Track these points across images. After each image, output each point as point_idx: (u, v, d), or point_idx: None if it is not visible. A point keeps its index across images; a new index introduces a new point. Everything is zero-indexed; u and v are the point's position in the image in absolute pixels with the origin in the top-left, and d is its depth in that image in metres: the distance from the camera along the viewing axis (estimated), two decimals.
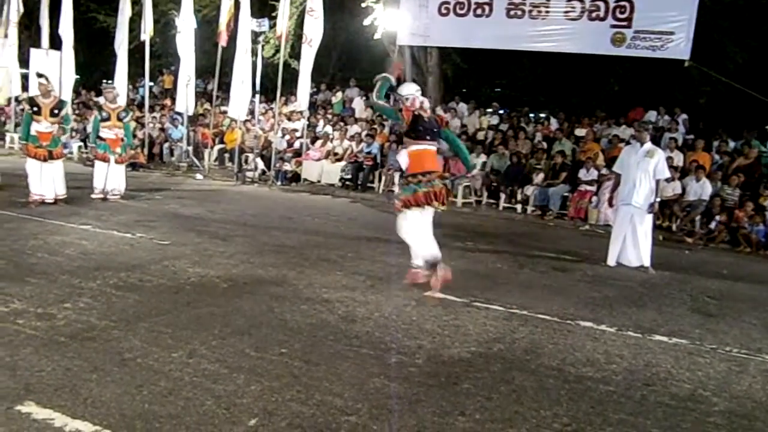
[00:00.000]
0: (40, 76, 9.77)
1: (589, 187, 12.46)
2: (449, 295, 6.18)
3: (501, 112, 17.75)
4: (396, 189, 13.69)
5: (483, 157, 13.91)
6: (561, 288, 6.99)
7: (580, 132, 14.83)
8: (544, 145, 14.23)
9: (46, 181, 9.46)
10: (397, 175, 13.78)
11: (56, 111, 9.45)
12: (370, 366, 4.33)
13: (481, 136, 15.49)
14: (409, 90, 6.32)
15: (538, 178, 13.02)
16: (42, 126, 9.32)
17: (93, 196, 10.27)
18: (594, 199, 12.34)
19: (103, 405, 3.51)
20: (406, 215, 6.32)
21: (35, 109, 9.35)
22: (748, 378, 4.73)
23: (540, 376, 4.42)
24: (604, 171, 12.52)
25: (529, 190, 12.99)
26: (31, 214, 8.64)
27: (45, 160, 9.40)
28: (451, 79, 19.26)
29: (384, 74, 6.60)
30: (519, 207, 13.05)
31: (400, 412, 3.71)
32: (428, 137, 6.27)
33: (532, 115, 17.03)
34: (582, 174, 12.65)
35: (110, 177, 10.32)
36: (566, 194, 12.72)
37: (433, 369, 4.39)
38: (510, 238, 10.09)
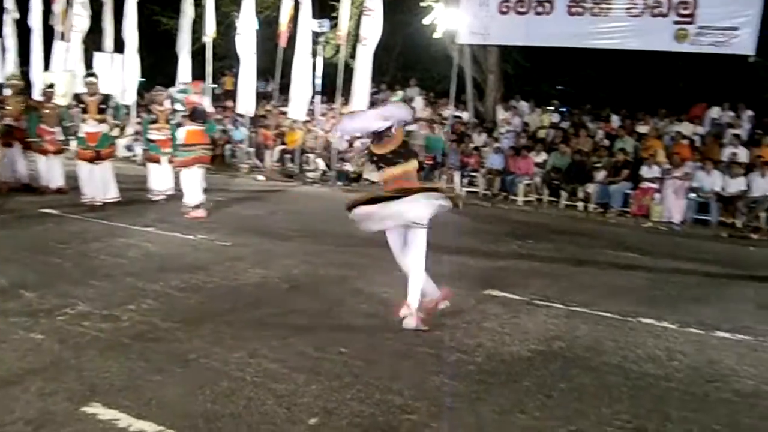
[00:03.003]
0: (89, 75, 9.92)
1: (651, 184, 12.14)
2: (509, 293, 6.13)
3: (562, 110, 17.40)
4: (457, 188, 13.65)
5: (544, 155, 13.69)
6: (622, 285, 6.86)
7: (641, 129, 14.45)
8: (606, 142, 13.91)
9: (96, 182, 9.42)
10: (457, 174, 13.74)
11: (102, 108, 9.46)
12: (430, 365, 4.34)
13: (542, 134, 15.24)
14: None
15: (600, 175, 12.72)
16: (89, 126, 9.33)
17: (152, 197, 10.34)
18: (656, 196, 12.01)
19: (166, 405, 3.60)
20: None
21: (82, 107, 9.41)
22: None
23: (600, 373, 4.36)
24: (667, 167, 12.17)
25: (591, 187, 12.70)
26: (95, 216, 8.83)
27: (93, 161, 9.36)
28: (511, 77, 19.02)
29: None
30: (580, 205, 12.78)
31: (459, 411, 3.72)
32: None
33: (593, 112, 16.64)
34: (644, 171, 12.32)
35: (164, 177, 10.40)
36: (628, 191, 12.41)
37: (493, 367, 4.37)
38: (571, 236, 9.89)
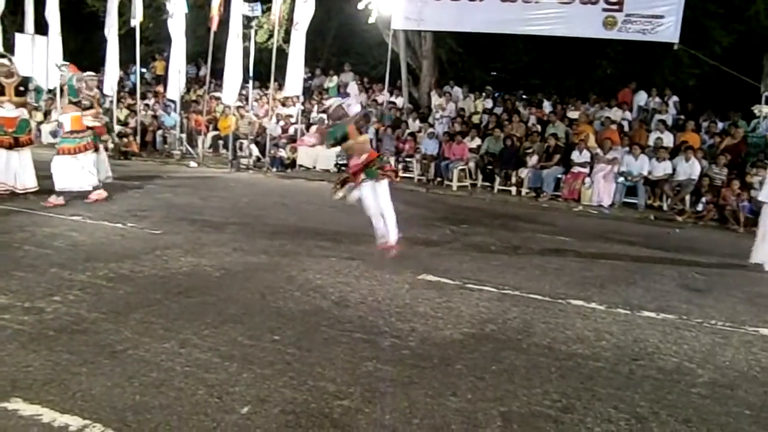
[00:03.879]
0: (2, 56, 9.44)
1: (582, 169, 12.50)
2: (442, 278, 6.20)
3: (495, 95, 17.70)
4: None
5: (478, 141, 13.89)
6: (553, 268, 7.02)
7: (573, 114, 14.84)
8: (538, 127, 14.24)
9: (12, 170, 9.01)
10: (392, 160, 13.79)
11: (21, 90, 9.04)
12: (363, 350, 4.34)
13: (476, 119, 15.47)
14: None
15: (532, 160, 13.02)
16: (5, 110, 8.85)
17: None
18: (587, 180, 12.38)
19: (93, 399, 3.49)
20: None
21: None
22: (732, 350, 4.83)
23: (531, 354, 4.45)
24: (597, 152, 12.54)
25: (524, 172, 12.99)
26: (16, 206, 8.49)
27: (10, 147, 8.94)
28: (445, 63, 19.18)
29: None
30: (514, 189, 13.05)
31: (392, 395, 3.73)
32: None
33: (525, 98, 16.98)
34: (575, 156, 12.68)
35: (100, 165, 10.14)
36: (560, 176, 12.74)
37: (426, 351, 4.40)
38: (504, 221, 10.09)
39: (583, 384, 4.01)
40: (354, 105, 8.24)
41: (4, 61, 9.15)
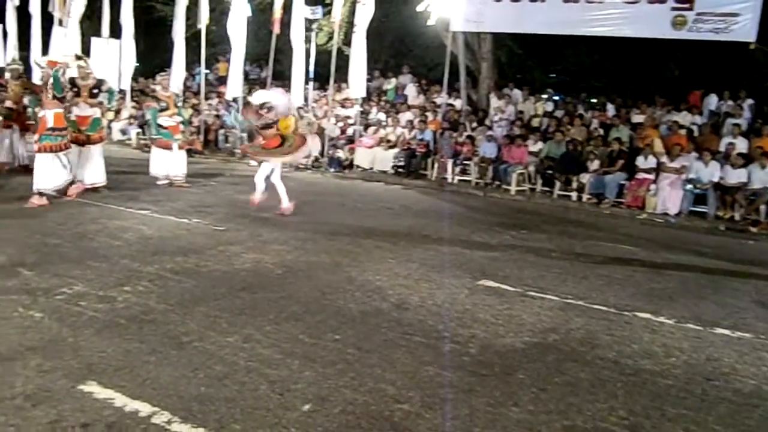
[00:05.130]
0: (79, 58, 9.85)
1: (647, 175, 12.14)
2: (503, 284, 6.13)
3: (556, 98, 17.41)
4: (449, 176, 13.68)
5: (538, 144, 13.70)
6: (618, 278, 6.82)
7: (637, 118, 14.44)
8: (601, 131, 13.90)
9: (84, 166, 9.35)
10: (450, 162, 13.73)
11: (95, 92, 9.41)
12: (423, 354, 4.33)
13: (536, 122, 15.25)
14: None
15: (594, 165, 12.74)
16: (80, 110, 9.24)
17: (159, 182, 10.48)
18: (652, 187, 12.02)
19: (160, 387, 3.60)
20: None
21: (75, 90, 9.29)
22: None
23: (596, 368, 4.34)
24: (663, 159, 12.16)
25: (585, 177, 12.72)
26: (91, 199, 8.84)
27: (83, 144, 9.27)
28: (505, 65, 18.99)
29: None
30: (574, 195, 12.81)
31: (452, 402, 3.70)
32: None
33: (587, 101, 16.64)
34: (640, 161, 12.33)
35: (173, 163, 10.51)
36: (623, 182, 12.42)
37: (487, 358, 4.36)
38: (565, 227, 9.90)
39: (652, 402, 3.89)
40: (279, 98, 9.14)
41: (82, 63, 9.55)
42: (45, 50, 17.02)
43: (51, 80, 8.32)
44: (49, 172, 8.31)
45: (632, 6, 12.93)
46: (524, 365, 4.29)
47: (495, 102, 16.18)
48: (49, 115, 8.27)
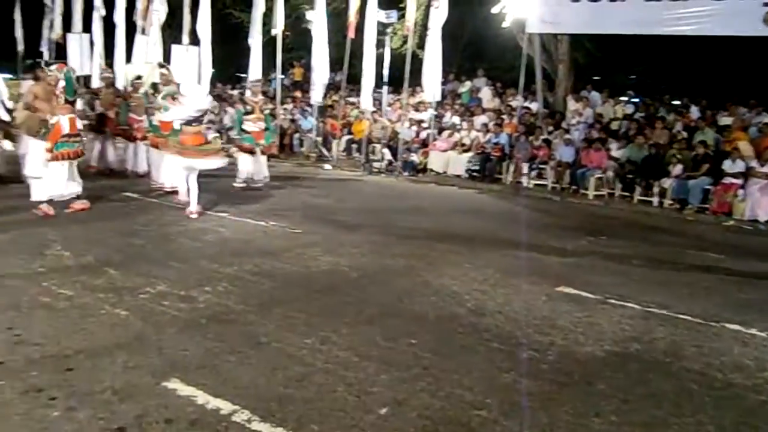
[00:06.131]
0: (161, 66, 10.17)
1: (734, 180, 11.59)
2: (582, 291, 5.97)
3: (636, 100, 16.88)
4: (524, 180, 13.48)
5: (617, 148, 13.30)
6: (703, 287, 6.54)
7: (724, 120, 13.81)
8: (684, 134, 13.37)
9: (165, 170, 9.61)
10: (525, 166, 13.52)
11: (176, 96, 9.46)
12: (501, 361, 4.27)
13: (615, 125, 14.82)
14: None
15: (677, 169, 12.26)
16: (162, 116, 9.42)
17: (235, 184, 10.65)
18: (740, 192, 11.47)
19: (240, 385, 3.68)
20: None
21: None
22: None
23: (681, 380, 4.18)
24: (753, 164, 11.58)
25: (667, 182, 12.26)
26: (172, 201, 9.10)
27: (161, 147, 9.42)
28: (583, 67, 18.55)
29: None
30: (655, 200, 12.37)
31: (531, 410, 3.64)
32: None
33: (670, 103, 16.03)
34: (727, 165, 11.78)
35: (256, 167, 10.73)
36: (708, 187, 11.90)
37: (566, 367, 4.26)
38: (646, 233, 9.58)
39: (743, 418, 3.70)
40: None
41: (164, 70, 9.88)
42: (128, 58, 17.82)
43: (62, 84, 7.83)
44: (62, 180, 7.80)
45: (719, 2, 12.32)
46: (605, 375, 4.17)
47: (572, 105, 15.82)
48: (64, 120, 7.72)
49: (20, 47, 22.93)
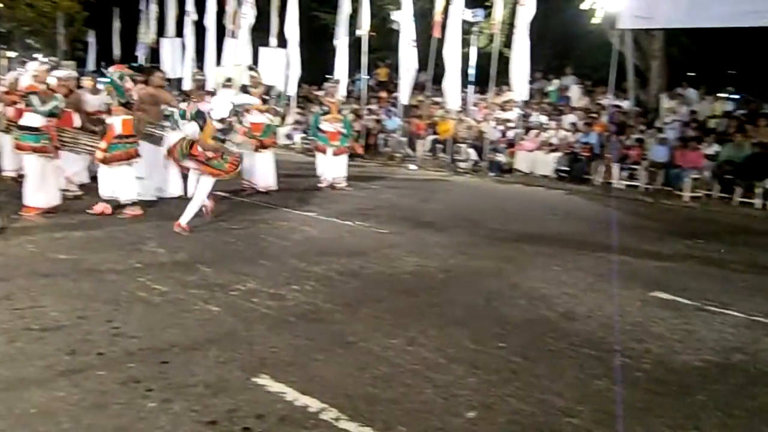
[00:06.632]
0: (250, 68, 10.40)
1: None
2: (678, 297, 5.71)
3: (736, 97, 16.04)
4: (615, 181, 13.05)
5: (715, 147, 12.69)
6: None
7: None
8: None
9: (257, 170, 9.87)
10: (616, 167, 13.09)
11: (265, 99, 9.90)
12: (592, 367, 4.14)
13: (712, 123, 14.14)
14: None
15: None
16: (252, 116, 9.72)
17: (320, 185, 10.80)
18: None
19: (328, 384, 3.71)
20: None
21: None
22: None
23: None
24: None
25: None
26: (260, 200, 9.31)
27: (257, 150, 9.56)
28: (678, 63, 17.79)
29: None
30: (758, 202, 11.70)
31: (626, 419, 3.50)
32: None
33: None
34: None
35: (332, 167, 10.87)
36: None
37: (662, 376, 4.09)
38: (748, 237, 9.08)
39: None
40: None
41: (254, 73, 10.16)
42: (218, 61, 18.47)
43: (112, 87, 7.80)
44: (122, 182, 7.72)
45: None
46: (705, 386, 3.97)
47: (666, 102, 15.20)
48: (117, 122, 7.67)
49: (116, 52, 24.26)
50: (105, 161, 7.69)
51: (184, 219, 7.10)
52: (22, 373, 3.68)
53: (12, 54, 27.86)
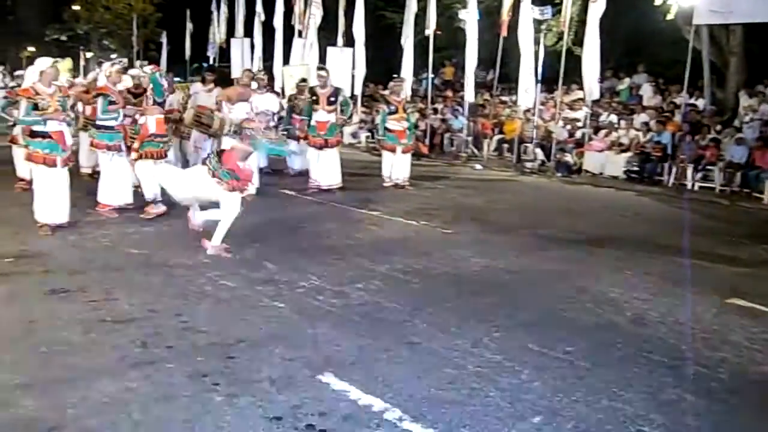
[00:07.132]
0: (320, 68, 10.48)
1: None
2: (758, 305, 5.45)
3: None
4: (689, 182, 12.61)
5: None
6: None
7: None
8: None
9: (321, 168, 9.98)
10: (690, 168, 12.64)
11: (332, 100, 9.96)
12: (664, 375, 4.01)
13: None
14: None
15: None
16: (319, 115, 9.90)
17: (385, 184, 10.82)
18: None
19: (392, 384, 3.71)
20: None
21: (314, 98, 10.00)
22: None
23: None
24: None
25: None
26: (325, 199, 9.40)
27: (321, 148, 9.86)
28: (758, 59, 17.03)
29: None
30: None
31: (700, 431, 3.36)
32: None
33: None
34: None
35: (397, 166, 10.87)
36: None
37: (740, 387, 3.92)
38: None
39: None
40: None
41: (323, 73, 10.28)
42: (286, 60, 18.76)
43: (150, 85, 7.78)
44: (152, 179, 7.55)
45: None
46: None
47: (745, 101, 14.58)
48: (151, 121, 7.71)
49: (188, 52, 25.03)
50: (138, 159, 7.69)
51: (216, 239, 6.23)
52: (95, 363, 3.83)
53: (89, 54, 29.06)
